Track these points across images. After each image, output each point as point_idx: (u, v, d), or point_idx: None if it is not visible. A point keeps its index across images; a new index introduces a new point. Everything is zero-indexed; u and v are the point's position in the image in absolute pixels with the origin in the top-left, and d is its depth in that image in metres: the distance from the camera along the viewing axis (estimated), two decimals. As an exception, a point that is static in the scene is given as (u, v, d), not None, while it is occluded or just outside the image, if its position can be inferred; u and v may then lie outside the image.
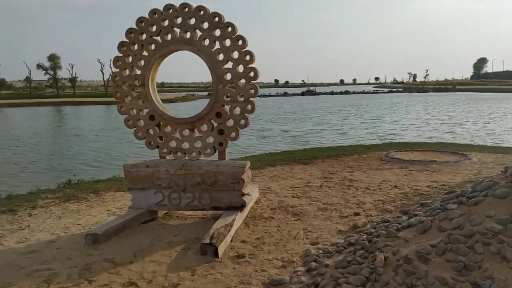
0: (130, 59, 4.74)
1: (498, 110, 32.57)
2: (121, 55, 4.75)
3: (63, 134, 22.44)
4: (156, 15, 4.58)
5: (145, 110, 4.81)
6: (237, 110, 4.52)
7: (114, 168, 12.12)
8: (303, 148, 12.85)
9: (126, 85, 4.81)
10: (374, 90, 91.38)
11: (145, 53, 4.70)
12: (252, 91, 4.44)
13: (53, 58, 74.96)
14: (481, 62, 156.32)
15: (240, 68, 4.44)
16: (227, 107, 4.56)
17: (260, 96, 72.87)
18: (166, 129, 4.78)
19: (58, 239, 4.34)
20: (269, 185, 6.27)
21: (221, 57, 4.47)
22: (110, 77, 4.84)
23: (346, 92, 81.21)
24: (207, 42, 4.48)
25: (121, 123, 5.23)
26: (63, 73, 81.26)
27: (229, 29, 4.39)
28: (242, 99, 4.49)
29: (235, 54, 4.43)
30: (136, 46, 4.70)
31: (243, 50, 4.39)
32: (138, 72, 4.75)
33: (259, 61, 4.46)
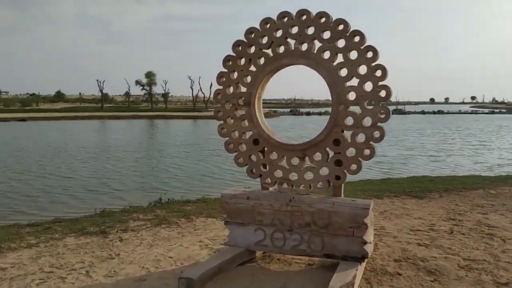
0: (236, 75, 4.18)
1: None
2: (225, 70, 4.21)
3: (154, 148, 23.43)
4: (269, 25, 3.96)
5: (249, 133, 4.19)
6: (361, 137, 3.67)
7: (203, 187, 12.03)
8: (401, 176, 11.47)
9: (229, 104, 4.25)
10: (472, 110, 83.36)
11: (252, 68, 4.10)
12: (383, 115, 3.56)
13: (149, 75, 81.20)
14: None
15: (368, 86, 3.60)
16: (347, 133, 3.74)
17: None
18: (271, 156, 4.09)
19: (148, 276, 3.84)
20: (382, 224, 5.26)
21: (344, 72, 3.68)
22: (213, 95, 4.35)
23: (440, 112, 75.20)
24: (327, 54, 3.73)
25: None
26: (157, 89, 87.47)
27: (356, 38, 3.60)
28: (368, 124, 3.63)
29: (362, 69, 3.61)
30: (243, 61, 4.13)
31: (373, 64, 3.56)
32: (244, 89, 4.16)
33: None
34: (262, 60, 4.05)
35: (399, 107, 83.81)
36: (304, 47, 3.83)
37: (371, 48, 3.54)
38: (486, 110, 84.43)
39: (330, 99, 3.78)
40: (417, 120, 53.68)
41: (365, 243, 3.62)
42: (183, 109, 79.38)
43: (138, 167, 15.55)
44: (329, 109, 3.96)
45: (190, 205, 7.21)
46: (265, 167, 4.15)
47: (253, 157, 4.17)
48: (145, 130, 37.82)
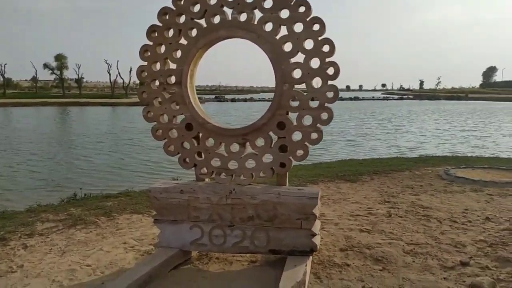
0: (163, 49, 3.57)
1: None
2: (150, 43, 3.58)
3: (66, 137, 21.31)
4: (201, -10, 3.41)
5: (180, 117, 3.63)
6: (308, 120, 3.33)
7: (124, 178, 11.01)
8: (332, 160, 11.66)
9: (156, 83, 3.64)
10: (384, 97, 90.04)
11: (183, 41, 3.52)
12: (331, 94, 3.24)
13: (60, 58, 74.44)
14: (491, 70, 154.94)
15: (315, 63, 3.25)
16: (293, 116, 3.37)
17: (268, 100, 71.74)
18: (207, 143, 3.59)
19: (61, 293, 3.15)
20: (321, 211, 5.06)
21: (288, 47, 3.27)
22: (136, 72, 3.69)
23: (356, 98, 79.92)
24: (269, 26, 3.29)
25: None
26: (69, 74, 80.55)
27: (301, 9, 3.21)
28: (315, 105, 3.30)
29: (309, 44, 3.25)
30: (171, 32, 3.53)
31: (320, 38, 3.20)
32: (173, 66, 3.58)
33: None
34: (194, 32, 3.49)
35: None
36: (243, 17, 3.35)
37: (317, 20, 3.18)
38: (396, 97, 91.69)
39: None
40: (335, 106, 56.39)
41: (314, 235, 3.32)
42: (100, 95, 74.09)
43: (44, 161, 13.80)
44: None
45: (111, 200, 6.41)
46: (200, 155, 3.64)
47: (186, 145, 3.63)
48: (56, 118, 34.43)
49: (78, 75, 79.12)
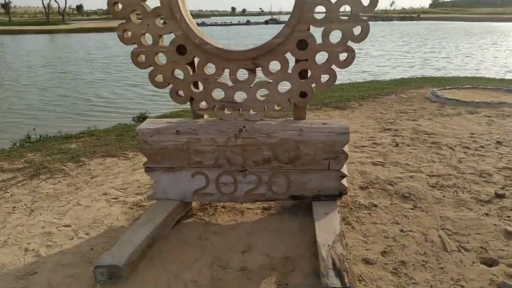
0: None
1: (486, 42, 31.32)
2: None
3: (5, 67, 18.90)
4: None
5: (169, 37, 2.81)
6: (336, 36, 2.66)
7: (83, 113, 9.83)
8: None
9: (131, -9, 2.74)
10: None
11: None
12: (366, 2, 2.55)
13: (-21, -22, 64.74)
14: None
15: (349, -41, 2.49)
16: (316, 31, 2.68)
17: (221, 25, 68.18)
18: (206, 70, 2.84)
19: (39, 266, 2.51)
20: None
21: None
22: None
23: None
24: None
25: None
26: (-7, -3, 70.55)
27: None
28: (345, 16, 2.60)
29: None
30: None
31: None
32: (154, -34, 2.67)
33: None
34: None
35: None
36: None
37: None
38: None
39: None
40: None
41: (343, 176, 2.83)
42: (33, 22, 66.50)
43: None
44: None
45: (74, 141, 5.55)
46: (197, 86, 2.91)
47: (179, 73, 2.87)
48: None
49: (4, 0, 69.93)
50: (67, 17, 71.72)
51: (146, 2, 2.74)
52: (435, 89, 7.22)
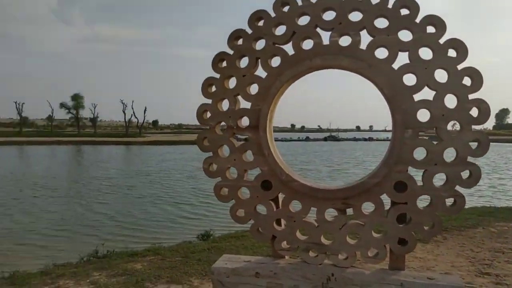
0: (234, 82, 2.74)
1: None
2: (217, 76, 2.76)
3: (80, 180, 20.51)
4: (289, 7, 2.61)
5: (254, 172, 2.74)
6: (440, 180, 2.40)
7: (147, 232, 9.90)
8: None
9: (221, 127, 2.79)
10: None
11: (261, 72, 2.70)
12: (477, 145, 2.33)
13: (76, 98, 75.82)
14: (504, 112, 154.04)
15: (451, 101, 2.36)
16: (416, 173, 2.45)
17: (281, 140, 71.05)
18: (291, 207, 2.66)
19: None
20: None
21: (411, 79, 2.41)
22: (196, 112, 2.82)
23: (370, 139, 78.84)
24: (384, 53, 2.45)
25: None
26: (85, 113, 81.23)
27: (431, 28, 2.37)
28: (452, 158, 2.37)
29: (441, 75, 2.38)
30: (246, 61, 2.71)
31: (460, 67, 2.33)
32: (247, 105, 2.73)
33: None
34: (277, 61, 2.67)
35: (333, 133, 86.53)
36: (346, 40, 2.52)
37: (455, 43, 2.32)
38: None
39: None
40: (354, 147, 55.09)
41: None
42: (114, 134, 74.44)
43: (61, 206, 12.80)
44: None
45: (139, 260, 5.42)
46: (280, 223, 2.70)
47: (262, 209, 2.71)
48: (70, 158, 33.90)
49: (93, 114, 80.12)
50: (144, 131, 79.63)
51: (233, 138, 2.74)
52: (530, 224, 6.39)
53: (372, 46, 2.45)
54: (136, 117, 78.94)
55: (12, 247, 8.25)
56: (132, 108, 77.81)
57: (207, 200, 13.24)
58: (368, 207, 2.53)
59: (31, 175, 20.19)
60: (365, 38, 2.50)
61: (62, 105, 75.91)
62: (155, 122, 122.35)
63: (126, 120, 77.06)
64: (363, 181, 2.49)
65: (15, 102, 73.41)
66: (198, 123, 2.87)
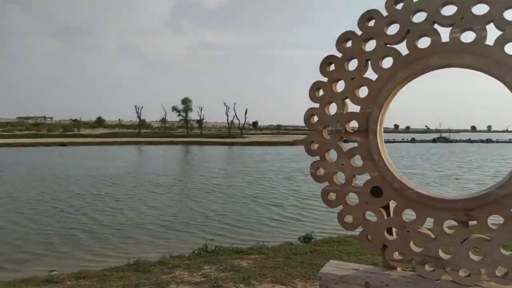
0: (342, 86, 2.69)
1: None
2: (325, 80, 2.74)
3: (194, 179, 22.13)
4: (403, 5, 2.48)
5: (362, 178, 2.65)
6: None
7: (250, 228, 10.26)
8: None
9: (328, 131, 2.76)
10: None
11: (370, 74, 2.61)
12: None
13: (186, 101, 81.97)
14: None
15: None
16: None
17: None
18: (404, 216, 2.52)
19: None
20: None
21: (552, 77, 2.09)
22: (304, 116, 2.86)
23: (488, 141, 70.29)
24: (518, 48, 2.17)
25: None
26: (192, 115, 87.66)
27: None
28: None
29: None
30: (355, 63, 2.65)
31: None
32: (356, 108, 2.66)
33: None
34: (388, 62, 2.55)
35: (443, 134, 79.44)
36: (469, 36, 2.30)
37: None
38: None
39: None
40: (469, 150, 49.74)
41: None
42: (218, 135, 78.93)
43: (174, 203, 13.95)
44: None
45: (244, 257, 5.68)
46: (391, 232, 2.58)
47: (371, 216, 2.62)
48: (180, 157, 36.87)
49: (200, 116, 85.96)
50: (244, 131, 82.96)
51: (341, 142, 2.70)
52: None
53: (501, 42, 2.19)
54: (237, 119, 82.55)
55: (133, 237, 9.27)
56: (234, 110, 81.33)
57: (303, 203, 13.25)
58: (494, 220, 2.28)
59: (147, 173, 22.46)
60: (491, 33, 2.26)
61: (174, 108, 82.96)
62: (255, 123, 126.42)
63: (229, 121, 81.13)
64: (490, 191, 2.24)
65: (135, 106, 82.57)
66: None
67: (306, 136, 2.87)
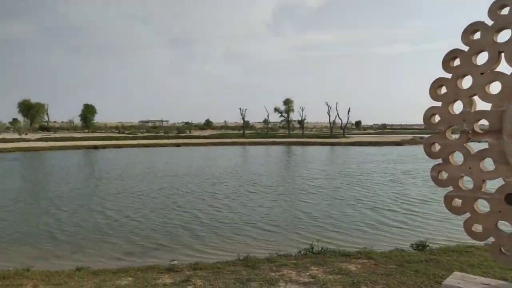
0: (469, 82, 2.47)
1: None
2: (448, 76, 2.54)
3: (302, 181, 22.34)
4: (547, -15, 2.18)
5: (493, 183, 2.39)
6: None
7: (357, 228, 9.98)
8: None
9: (451, 131, 2.55)
10: None
11: (504, 68, 2.34)
12: None
13: (287, 102, 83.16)
14: None
15: None
16: None
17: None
18: (548, 228, 2.20)
19: None
20: None
21: None
22: (424, 116, 2.69)
23: None
24: None
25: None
26: (294, 116, 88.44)
27: None
28: None
29: None
30: (484, 57, 2.40)
31: None
32: (485, 106, 2.41)
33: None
34: (527, 53, 2.26)
35: None
36: None
37: None
38: None
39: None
40: None
41: None
42: (320, 135, 78.29)
43: (271, 202, 14.18)
44: None
45: (352, 261, 5.54)
46: (531, 246, 2.27)
47: (505, 226, 2.35)
48: (281, 157, 37.48)
49: (301, 116, 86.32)
50: (347, 131, 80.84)
51: (467, 144, 2.46)
52: None
53: None
54: (340, 118, 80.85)
55: (240, 233, 9.71)
56: (336, 110, 79.77)
57: (410, 208, 12.36)
58: None
59: (253, 172, 23.32)
60: None
61: (276, 109, 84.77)
62: (358, 123, 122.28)
63: (331, 121, 79.86)
64: None
65: (240, 108, 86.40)
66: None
67: (427, 136, 2.69)
